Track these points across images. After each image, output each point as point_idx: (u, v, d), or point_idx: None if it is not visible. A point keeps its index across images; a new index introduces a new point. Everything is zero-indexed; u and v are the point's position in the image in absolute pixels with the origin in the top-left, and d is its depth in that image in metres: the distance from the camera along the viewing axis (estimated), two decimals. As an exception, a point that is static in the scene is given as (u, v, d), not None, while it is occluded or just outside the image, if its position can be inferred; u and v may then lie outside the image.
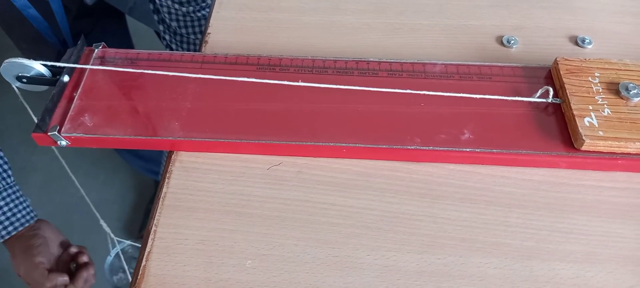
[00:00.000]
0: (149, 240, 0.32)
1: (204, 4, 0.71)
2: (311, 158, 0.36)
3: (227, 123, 0.36)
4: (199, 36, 0.75)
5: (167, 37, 0.77)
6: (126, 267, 0.65)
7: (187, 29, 0.74)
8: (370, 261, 0.31)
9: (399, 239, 0.32)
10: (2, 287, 1.13)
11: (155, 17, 0.76)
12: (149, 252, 0.32)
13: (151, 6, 0.75)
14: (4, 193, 0.61)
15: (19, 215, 0.63)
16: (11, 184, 0.62)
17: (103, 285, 0.93)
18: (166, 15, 0.73)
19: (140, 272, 0.31)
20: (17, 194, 0.62)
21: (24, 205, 0.63)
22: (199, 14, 0.72)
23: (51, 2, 0.66)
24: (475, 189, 0.34)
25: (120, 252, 0.65)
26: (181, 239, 0.32)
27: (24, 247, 0.63)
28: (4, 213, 0.61)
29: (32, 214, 0.64)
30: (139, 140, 0.35)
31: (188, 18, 0.73)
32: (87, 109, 0.36)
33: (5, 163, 0.62)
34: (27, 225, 0.63)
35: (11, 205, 0.62)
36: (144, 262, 0.31)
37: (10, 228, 0.62)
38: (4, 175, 0.62)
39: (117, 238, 0.63)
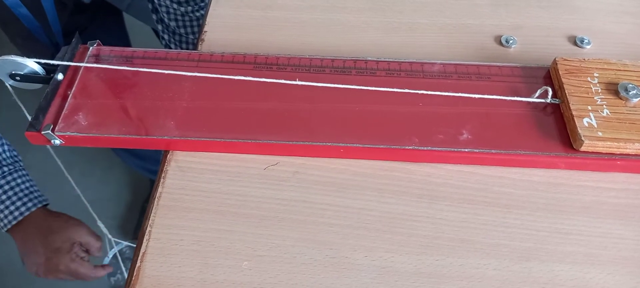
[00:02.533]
0: (144, 240, 0.32)
1: (202, 4, 0.71)
2: (308, 158, 0.36)
3: (223, 122, 0.35)
4: (198, 36, 0.74)
5: (165, 36, 0.77)
6: (123, 268, 0.65)
7: (186, 28, 0.74)
8: (367, 262, 0.31)
9: (396, 240, 0.32)
10: (1, 283, 1.13)
11: (154, 17, 0.75)
12: (143, 253, 0.31)
13: (150, 5, 0.74)
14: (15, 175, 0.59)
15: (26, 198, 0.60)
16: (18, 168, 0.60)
17: (100, 286, 0.93)
18: (165, 14, 0.72)
19: (135, 273, 0.30)
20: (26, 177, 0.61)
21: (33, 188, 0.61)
22: (197, 14, 0.72)
23: (43, 1, 0.65)
24: (474, 190, 0.34)
25: (117, 253, 0.64)
26: (176, 240, 0.32)
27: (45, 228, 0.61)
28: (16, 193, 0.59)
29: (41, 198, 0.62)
30: (134, 139, 0.35)
31: (186, 18, 0.72)
32: (81, 108, 0.36)
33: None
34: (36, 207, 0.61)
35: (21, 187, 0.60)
36: (138, 263, 0.31)
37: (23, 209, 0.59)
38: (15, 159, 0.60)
39: (115, 240, 0.63)
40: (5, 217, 0.59)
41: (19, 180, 0.59)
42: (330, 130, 0.35)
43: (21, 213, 0.59)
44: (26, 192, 0.60)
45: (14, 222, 0.59)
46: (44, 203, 0.62)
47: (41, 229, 0.61)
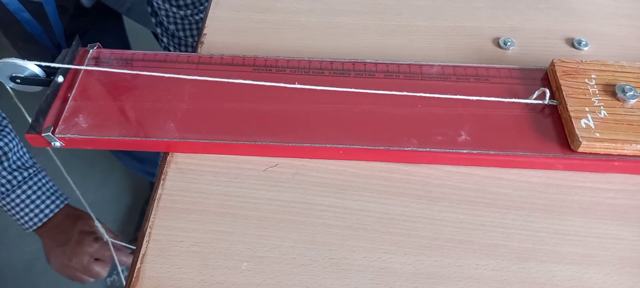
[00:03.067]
0: (144, 242, 0.32)
1: (201, 8, 0.71)
2: (307, 160, 0.36)
3: (223, 124, 0.36)
4: (197, 39, 0.75)
5: (164, 39, 0.77)
6: (120, 269, 0.65)
7: (185, 32, 0.74)
8: (366, 263, 0.31)
9: (395, 241, 0.32)
10: (1, 284, 1.13)
11: (153, 20, 0.75)
12: (143, 254, 0.31)
13: (149, 9, 0.74)
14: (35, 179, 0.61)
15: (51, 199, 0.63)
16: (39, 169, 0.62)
17: (96, 286, 0.93)
18: (164, 18, 0.73)
19: (135, 274, 0.30)
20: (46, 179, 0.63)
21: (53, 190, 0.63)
22: (196, 18, 0.72)
23: (45, 5, 0.65)
24: (472, 191, 0.34)
25: (114, 254, 0.64)
26: (176, 241, 0.32)
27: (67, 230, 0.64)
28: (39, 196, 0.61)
29: (62, 198, 0.64)
30: (134, 141, 0.35)
31: (186, 21, 0.72)
32: (81, 110, 0.36)
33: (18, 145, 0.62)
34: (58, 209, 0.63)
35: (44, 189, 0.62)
36: (138, 264, 0.31)
37: (47, 211, 0.62)
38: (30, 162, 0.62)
39: (111, 240, 0.63)
40: (36, 215, 0.61)
41: (43, 181, 0.62)
42: (330, 131, 0.35)
43: (52, 211, 0.62)
44: (52, 191, 0.63)
45: (44, 220, 0.62)
46: (67, 201, 0.65)
47: (68, 219, 0.64)
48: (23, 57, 0.37)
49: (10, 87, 0.38)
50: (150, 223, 0.33)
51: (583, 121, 0.34)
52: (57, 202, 0.63)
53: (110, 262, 0.66)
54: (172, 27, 0.74)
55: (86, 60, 0.39)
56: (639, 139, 0.33)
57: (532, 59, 0.42)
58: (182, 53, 0.40)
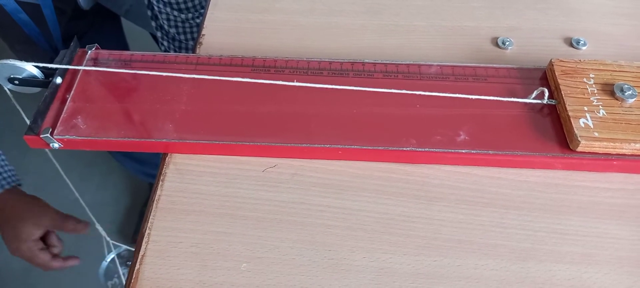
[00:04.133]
0: (143, 243, 0.32)
1: (202, 10, 0.71)
2: (306, 160, 0.36)
3: (221, 125, 0.35)
4: (196, 40, 0.74)
5: (165, 43, 0.77)
6: (121, 272, 0.65)
7: (186, 35, 0.74)
8: (366, 263, 0.31)
9: (394, 241, 0.32)
10: (1, 285, 1.12)
11: (153, 24, 0.75)
12: (142, 256, 0.31)
13: (149, 12, 0.74)
14: None
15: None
16: None
17: (97, 289, 0.93)
18: (165, 21, 0.73)
19: (134, 276, 0.30)
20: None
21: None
22: (197, 21, 0.72)
23: (43, 7, 0.65)
24: (471, 191, 0.34)
25: (115, 257, 0.64)
26: (175, 242, 0.32)
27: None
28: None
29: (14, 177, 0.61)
30: (132, 142, 0.35)
31: (187, 24, 0.72)
32: (80, 111, 0.36)
33: None
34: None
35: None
36: (137, 266, 0.31)
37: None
38: None
39: (113, 242, 0.63)
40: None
41: None
42: (328, 132, 0.35)
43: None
44: None
45: None
46: (14, 184, 0.62)
47: (12, 212, 0.61)
48: (21, 59, 0.37)
49: (8, 89, 0.38)
50: (149, 224, 0.33)
51: (582, 120, 0.34)
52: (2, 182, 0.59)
53: (43, 268, 0.64)
54: (172, 30, 0.74)
55: (84, 62, 0.39)
56: (637, 138, 0.33)
57: (530, 59, 0.42)
58: (181, 54, 0.40)
